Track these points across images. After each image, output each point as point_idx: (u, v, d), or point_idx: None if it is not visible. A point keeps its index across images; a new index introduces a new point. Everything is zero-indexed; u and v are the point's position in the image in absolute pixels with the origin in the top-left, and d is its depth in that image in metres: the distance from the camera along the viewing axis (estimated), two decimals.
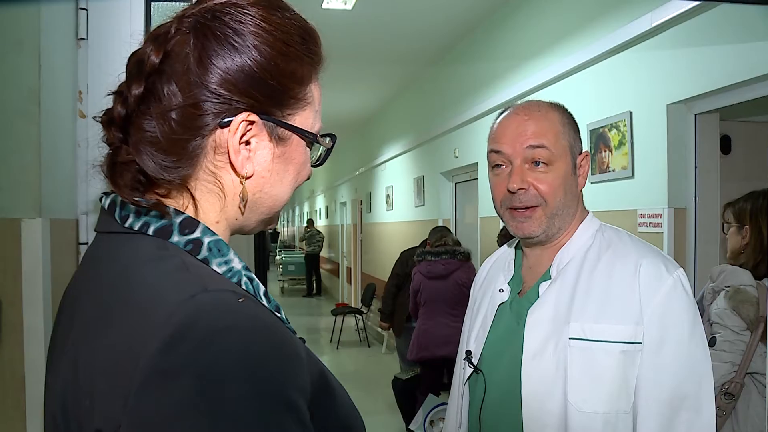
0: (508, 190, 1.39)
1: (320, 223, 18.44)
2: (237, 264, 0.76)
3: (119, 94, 0.76)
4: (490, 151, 1.46)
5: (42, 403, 0.79)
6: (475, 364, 1.48)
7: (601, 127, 3.97)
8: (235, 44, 0.74)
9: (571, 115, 1.49)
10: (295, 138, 0.82)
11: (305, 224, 17.66)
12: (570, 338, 1.32)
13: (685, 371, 1.27)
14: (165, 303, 0.66)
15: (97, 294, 0.73)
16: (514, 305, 1.47)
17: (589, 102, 4.13)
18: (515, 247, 1.58)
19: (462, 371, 1.56)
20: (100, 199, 0.80)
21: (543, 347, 1.34)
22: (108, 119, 0.77)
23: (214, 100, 0.74)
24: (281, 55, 0.78)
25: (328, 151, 0.88)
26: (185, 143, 0.75)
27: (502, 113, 1.51)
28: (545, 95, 4.68)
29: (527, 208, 1.38)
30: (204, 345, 0.63)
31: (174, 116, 0.74)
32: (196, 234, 0.75)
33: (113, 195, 0.77)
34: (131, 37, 1.45)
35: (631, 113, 3.69)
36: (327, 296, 16.10)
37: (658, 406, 1.26)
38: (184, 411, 0.61)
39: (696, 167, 3.38)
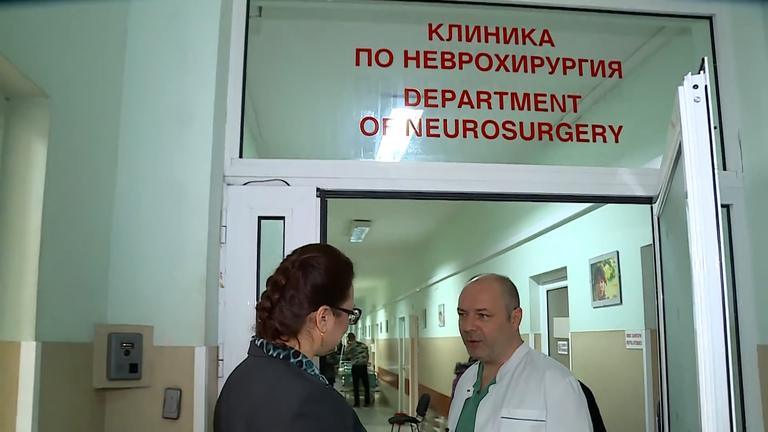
0: (464, 330, 2.38)
1: (382, 336, 19.28)
2: (317, 371, 1.77)
3: (267, 296, 1.78)
4: (458, 308, 2.45)
5: None
6: None
7: (598, 262, 4.90)
8: (319, 275, 1.76)
9: (510, 283, 2.46)
10: (344, 313, 1.84)
11: (347, 338, 18.41)
12: (502, 417, 2.24)
13: None
14: (297, 387, 1.63)
15: (260, 385, 1.69)
16: (474, 399, 2.41)
17: (590, 242, 5.10)
18: (478, 365, 2.54)
19: None
20: (254, 341, 1.79)
21: (486, 423, 2.27)
22: (262, 307, 1.77)
23: (311, 301, 1.75)
24: (340, 278, 1.81)
25: (358, 318, 1.89)
26: (299, 318, 1.75)
27: (469, 281, 2.50)
28: (559, 233, 5.70)
29: (476, 341, 2.36)
30: (318, 403, 1.60)
31: (294, 308, 1.74)
32: (300, 358, 1.74)
33: (262, 339, 1.76)
34: (251, 242, 2.56)
35: (618, 252, 4.63)
36: (384, 407, 16.70)
37: None
38: (313, 430, 1.57)
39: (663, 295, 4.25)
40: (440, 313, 10.61)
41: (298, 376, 1.66)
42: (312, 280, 1.73)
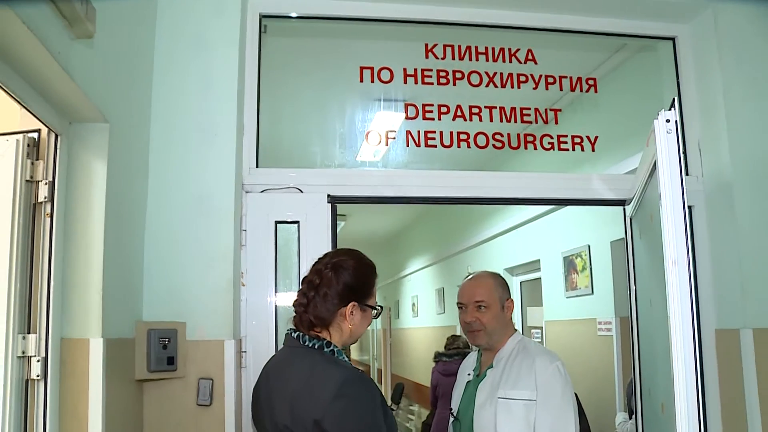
0: (465, 321, 2.68)
1: None
2: (346, 358, 2.05)
3: (303, 293, 2.07)
4: (457, 302, 2.75)
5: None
6: (455, 415, 2.74)
7: (570, 255, 5.27)
8: (349, 275, 2.05)
9: (502, 278, 2.78)
10: (369, 308, 2.13)
11: None
12: (498, 397, 2.55)
13: (559, 416, 2.48)
14: (335, 372, 1.91)
15: (300, 372, 1.95)
16: (474, 382, 2.73)
17: (562, 236, 5.46)
18: (477, 352, 2.85)
19: (450, 419, 2.80)
20: (290, 334, 2.08)
21: (484, 403, 2.58)
22: (299, 303, 2.06)
23: (341, 297, 2.03)
24: (366, 278, 2.10)
25: (380, 313, 2.18)
26: (331, 312, 2.03)
27: (465, 278, 2.81)
28: (532, 228, 6.05)
29: (476, 330, 2.66)
30: (353, 386, 1.88)
31: (327, 304, 2.02)
32: (332, 348, 2.03)
33: (298, 332, 2.05)
34: (268, 245, 2.83)
35: (589, 246, 5.00)
36: None
37: None
38: (350, 408, 1.85)
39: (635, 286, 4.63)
40: (413, 304, 10.94)
41: (334, 363, 1.94)
42: (343, 280, 2.02)
